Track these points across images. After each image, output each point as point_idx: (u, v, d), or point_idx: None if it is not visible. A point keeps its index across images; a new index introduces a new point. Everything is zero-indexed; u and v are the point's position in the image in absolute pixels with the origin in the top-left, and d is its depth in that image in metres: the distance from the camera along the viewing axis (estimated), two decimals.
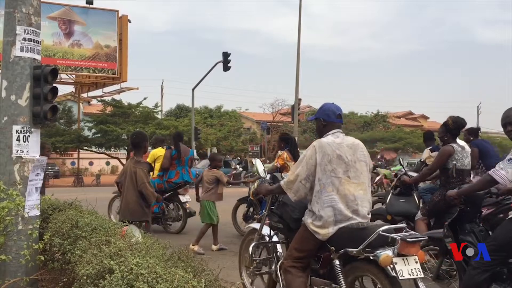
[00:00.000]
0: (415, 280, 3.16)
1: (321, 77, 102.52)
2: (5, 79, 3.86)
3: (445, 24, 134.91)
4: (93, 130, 29.28)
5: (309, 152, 3.27)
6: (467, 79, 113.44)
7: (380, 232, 2.90)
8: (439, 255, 3.92)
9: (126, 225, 3.73)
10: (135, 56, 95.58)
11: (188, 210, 7.83)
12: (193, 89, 26.44)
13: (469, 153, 5.05)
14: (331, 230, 3.10)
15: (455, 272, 3.85)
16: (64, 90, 30.96)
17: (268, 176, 4.29)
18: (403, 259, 2.82)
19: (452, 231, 3.71)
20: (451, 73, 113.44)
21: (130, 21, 27.13)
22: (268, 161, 26.64)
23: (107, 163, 33.28)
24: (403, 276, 2.76)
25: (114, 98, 30.25)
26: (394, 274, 2.76)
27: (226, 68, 22.28)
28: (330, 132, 3.34)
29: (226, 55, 22.19)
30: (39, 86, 3.90)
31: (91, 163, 32.44)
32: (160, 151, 7.90)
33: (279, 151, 6.70)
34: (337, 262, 3.06)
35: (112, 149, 29.95)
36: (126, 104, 30.12)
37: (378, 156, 32.98)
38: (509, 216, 3.27)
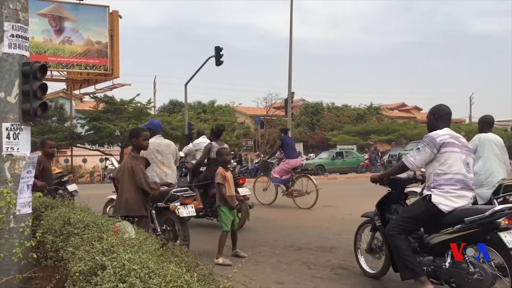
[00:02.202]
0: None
1: (314, 70, 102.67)
2: None
3: (438, 16, 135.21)
4: (86, 127, 29.16)
5: None
6: (460, 70, 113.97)
7: (172, 192, 5.36)
8: (371, 231, 4.53)
9: (119, 221, 3.71)
10: (127, 52, 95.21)
11: None
12: (186, 84, 26.31)
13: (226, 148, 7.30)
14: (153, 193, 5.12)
15: (384, 247, 4.33)
16: (56, 87, 30.71)
17: None
18: (184, 206, 5.29)
19: (380, 210, 4.28)
20: (443, 64, 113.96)
21: (121, 17, 26.93)
22: (262, 155, 26.65)
23: (101, 160, 33.14)
24: (183, 214, 5.26)
25: (106, 95, 30.10)
26: (178, 214, 5.24)
27: (218, 62, 22.18)
28: (154, 136, 5.86)
29: (218, 49, 22.09)
30: (28, 83, 3.86)
31: (84, 160, 32.28)
32: None
33: None
34: (153, 211, 5.31)
35: (106, 146, 29.86)
36: (118, 100, 29.99)
37: (372, 149, 33.03)
38: (423, 195, 3.78)
